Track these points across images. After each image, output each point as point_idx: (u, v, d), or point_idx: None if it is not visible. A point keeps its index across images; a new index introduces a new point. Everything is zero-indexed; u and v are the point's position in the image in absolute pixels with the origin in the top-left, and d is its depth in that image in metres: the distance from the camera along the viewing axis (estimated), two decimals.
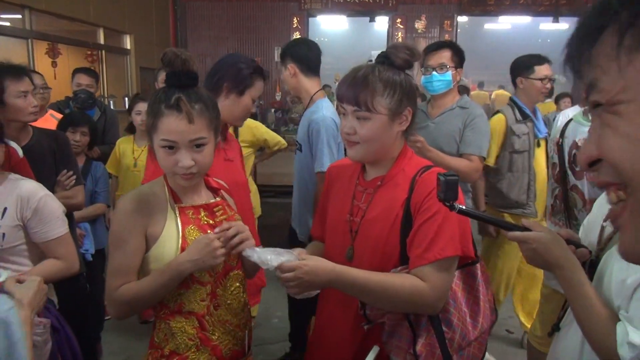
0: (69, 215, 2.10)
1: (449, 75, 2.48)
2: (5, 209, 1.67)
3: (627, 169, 0.37)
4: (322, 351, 1.45)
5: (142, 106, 3.41)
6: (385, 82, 1.27)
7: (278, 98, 9.39)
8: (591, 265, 1.14)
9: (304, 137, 2.44)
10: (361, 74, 1.28)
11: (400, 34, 9.32)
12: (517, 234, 1.12)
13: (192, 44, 9.35)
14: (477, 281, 1.33)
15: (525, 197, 2.91)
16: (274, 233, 3.32)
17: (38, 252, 1.77)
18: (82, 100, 3.66)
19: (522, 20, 12.38)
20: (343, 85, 1.31)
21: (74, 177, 2.36)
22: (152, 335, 1.41)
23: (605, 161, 0.39)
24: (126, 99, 6.92)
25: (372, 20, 9.97)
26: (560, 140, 2.55)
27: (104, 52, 6.93)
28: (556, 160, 2.54)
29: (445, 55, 2.49)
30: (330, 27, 12.39)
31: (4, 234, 1.65)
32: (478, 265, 1.34)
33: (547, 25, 12.09)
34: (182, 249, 1.29)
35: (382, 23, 10.13)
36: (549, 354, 1.31)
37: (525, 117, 2.90)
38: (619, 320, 0.97)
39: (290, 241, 2.56)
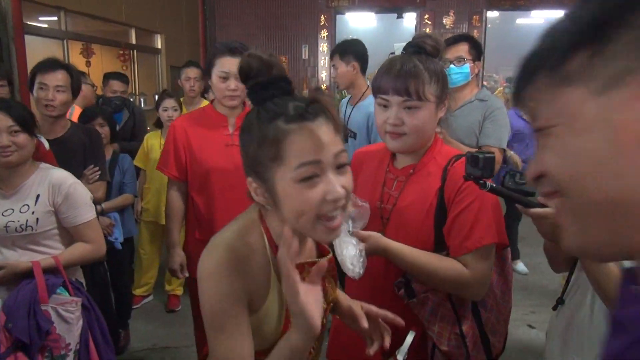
0: None
1: (467, 67, 2.50)
2: (38, 195, 1.77)
3: (562, 179, 0.47)
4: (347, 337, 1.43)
5: (169, 102, 3.52)
6: (430, 70, 1.28)
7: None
8: None
9: (361, 126, 2.80)
10: (407, 64, 1.27)
11: (428, 30, 9.25)
12: (539, 210, 1.16)
13: (221, 42, 9.49)
14: (508, 264, 1.40)
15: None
16: None
17: (69, 236, 1.87)
18: (117, 106, 3.81)
19: (555, 15, 12.13)
20: (386, 76, 1.29)
21: (99, 172, 2.46)
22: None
23: (546, 175, 0.50)
24: (156, 96, 7.11)
25: (399, 16, 9.91)
26: None
27: (135, 51, 7.13)
28: None
29: (462, 49, 2.51)
30: (357, 24, 12.39)
31: (37, 219, 1.75)
32: (509, 249, 1.40)
33: None
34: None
35: (410, 19, 10.07)
36: (551, 325, 1.35)
37: None
38: None
39: None
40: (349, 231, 1.23)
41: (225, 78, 2.02)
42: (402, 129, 1.29)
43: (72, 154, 2.36)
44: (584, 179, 0.45)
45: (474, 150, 2.42)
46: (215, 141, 2.05)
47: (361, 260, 1.20)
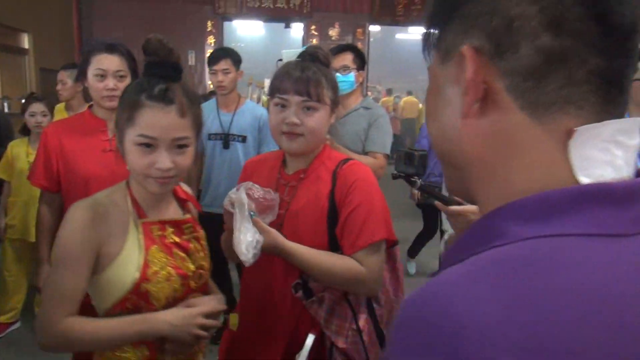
0: None
1: (351, 76, 2.60)
2: None
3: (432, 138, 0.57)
4: (253, 337, 1.43)
5: (37, 107, 3.19)
6: (326, 76, 1.36)
7: None
8: None
9: (252, 128, 2.95)
10: (308, 69, 1.34)
11: (314, 40, 9.52)
12: (457, 207, 1.25)
13: None
14: (398, 261, 1.48)
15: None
16: None
17: None
18: None
19: None
20: (287, 78, 1.33)
21: None
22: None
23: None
24: (23, 100, 6.46)
25: (287, 26, 10.10)
26: None
27: None
28: None
29: (347, 58, 2.61)
30: (246, 32, 12.41)
31: None
32: (398, 247, 1.47)
33: None
34: (142, 276, 1.11)
35: (297, 30, 10.30)
36: None
37: None
38: None
39: None
40: (251, 216, 1.22)
41: (102, 76, 1.88)
42: (299, 129, 1.31)
43: None
44: (435, 139, 0.56)
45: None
46: (92, 147, 1.90)
47: (255, 250, 1.19)
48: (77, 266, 1.09)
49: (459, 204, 1.26)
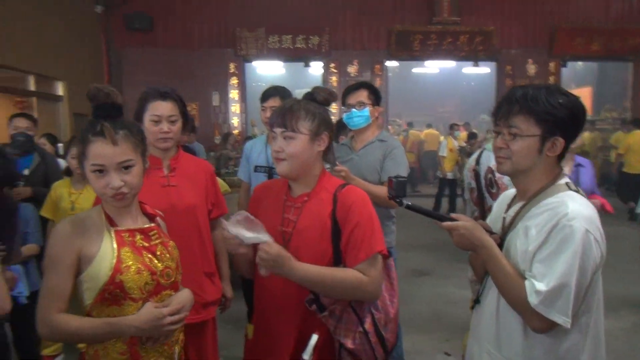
0: None
1: (366, 111, 2.75)
2: None
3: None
4: (266, 340, 1.62)
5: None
6: (307, 110, 1.58)
7: (217, 142, 9.47)
8: (499, 246, 1.42)
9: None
10: (288, 104, 1.60)
11: (334, 77, 9.80)
12: (449, 223, 1.42)
13: (127, 89, 9.30)
14: (392, 270, 1.69)
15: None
16: None
17: None
18: (21, 144, 3.55)
19: (447, 65, 13.31)
20: (274, 114, 1.60)
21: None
22: (82, 351, 1.45)
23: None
24: (59, 145, 6.77)
25: (307, 65, 10.37)
26: (477, 167, 2.81)
27: (35, 99, 6.79)
28: (474, 185, 2.78)
29: (362, 94, 2.77)
30: (266, 72, 12.75)
31: None
32: (392, 259, 1.70)
33: (469, 69, 13.09)
34: (116, 269, 1.36)
35: (316, 68, 10.57)
36: (471, 324, 1.58)
37: None
38: (526, 279, 1.32)
39: None
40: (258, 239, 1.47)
41: (157, 122, 2.05)
42: (282, 154, 1.56)
43: None
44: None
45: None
46: (152, 183, 2.04)
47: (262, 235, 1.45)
48: (62, 268, 1.36)
49: (452, 220, 1.42)
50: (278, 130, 1.56)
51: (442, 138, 10.96)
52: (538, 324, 1.29)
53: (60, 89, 7.47)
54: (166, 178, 2.07)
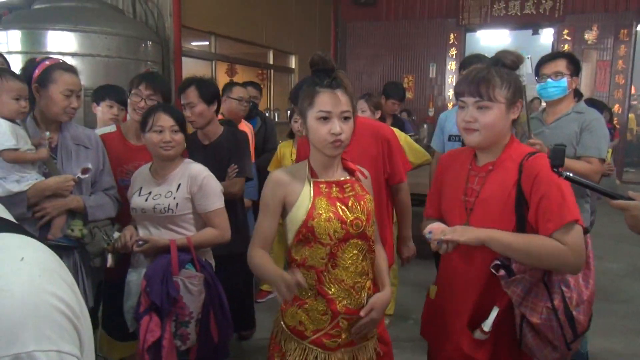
0: (234, 202, 2.63)
1: (564, 82, 2.52)
2: (179, 184, 2.14)
3: None
4: (446, 304, 1.66)
5: None
6: (502, 77, 1.50)
7: (431, 114, 9.46)
8: None
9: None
10: (481, 72, 1.52)
11: (567, 46, 8.72)
12: (621, 202, 1.30)
13: (350, 62, 9.94)
14: (589, 248, 1.52)
15: None
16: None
17: (201, 221, 2.20)
18: (250, 109, 4.16)
19: None
20: (463, 82, 1.55)
21: (237, 170, 2.76)
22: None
23: None
24: (288, 111, 7.69)
25: (535, 32, 9.49)
26: None
27: (272, 71, 7.80)
28: None
29: (560, 64, 2.54)
30: (490, 42, 12.05)
31: (177, 203, 2.11)
32: (589, 235, 1.52)
33: None
34: (309, 215, 1.54)
35: (547, 36, 9.58)
36: None
37: None
38: None
39: None
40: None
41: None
42: (474, 125, 1.51)
43: (221, 155, 2.73)
44: None
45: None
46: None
47: None
48: (268, 212, 1.62)
49: (628, 198, 1.26)
50: (470, 100, 1.51)
51: None
52: None
53: (293, 62, 8.40)
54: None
